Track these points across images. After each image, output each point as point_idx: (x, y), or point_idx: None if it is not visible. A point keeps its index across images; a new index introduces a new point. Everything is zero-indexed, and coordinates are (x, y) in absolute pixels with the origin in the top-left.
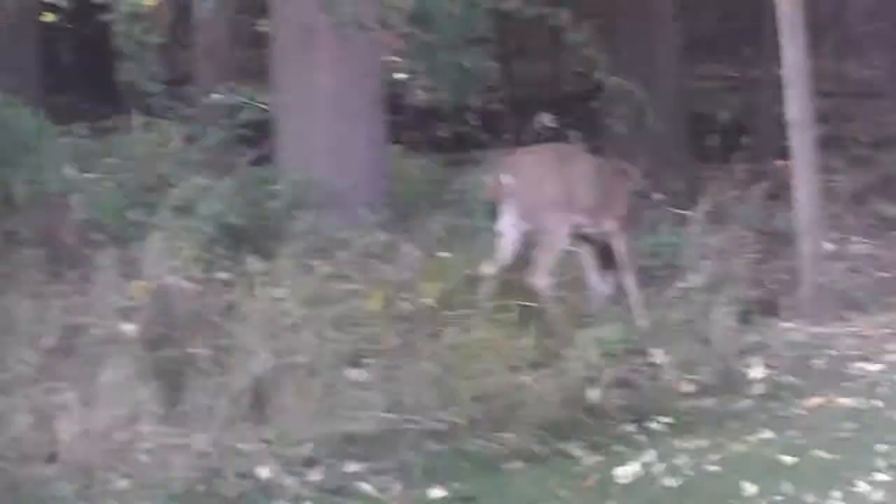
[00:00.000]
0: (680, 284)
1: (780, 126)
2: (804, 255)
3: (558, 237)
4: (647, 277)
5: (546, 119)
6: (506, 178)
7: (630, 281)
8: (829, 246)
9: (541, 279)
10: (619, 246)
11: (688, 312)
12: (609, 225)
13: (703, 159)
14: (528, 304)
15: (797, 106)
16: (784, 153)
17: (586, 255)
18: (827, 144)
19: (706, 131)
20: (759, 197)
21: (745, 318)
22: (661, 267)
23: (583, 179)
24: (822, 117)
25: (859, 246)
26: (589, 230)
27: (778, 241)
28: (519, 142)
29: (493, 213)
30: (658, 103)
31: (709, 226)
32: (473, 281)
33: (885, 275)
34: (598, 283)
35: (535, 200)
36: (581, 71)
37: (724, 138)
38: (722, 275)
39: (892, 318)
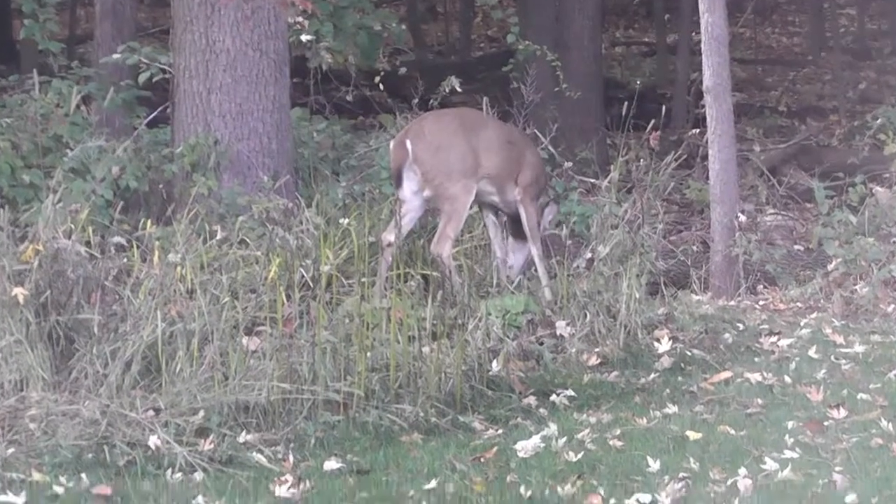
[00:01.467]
0: (587, 255)
1: (695, 94)
2: (716, 226)
3: (461, 205)
4: (555, 247)
5: (454, 83)
6: (408, 144)
7: (536, 251)
8: (742, 217)
9: (444, 248)
10: (526, 214)
11: (594, 284)
12: (515, 193)
13: (615, 127)
14: (430, 273)
15: (713, 73)
16: (699, 122)
17: (491, 224)
18: (743, 113)
19: (620, 98)
20: (672, 166)
21: (653, 290)
22: (569, 237)
23: (488, 146)
24: (738, 85)
25: (773, 218)
26: (494, 199)
27: (690, 212)
28: (426, 107)
29: (397, 179)
30: (571, 69)
31: (619, 195)
32: (375, 249)
33: (799, 248)
34: (504, 253)
35: (438, 167)
36: (492, 35)
37: (637, 106)
38: (631, 246)
39: (804, 292)
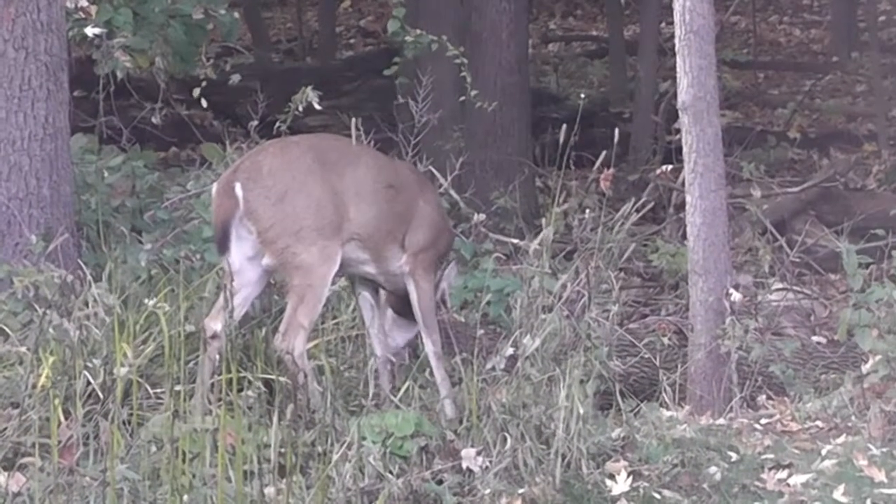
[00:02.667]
0: (507, 351)
1: (667, 112)
2: (697, 308)
3: (319, 279)
4: (460, 339)
5: (311, 97)
6: (238, 188)
7: (431, 346)
8: (735, 295)
9: (295, 341)
10: (417, 294)
11: (518, 394)
12: (401, 262)
13: (548, 162)
14: (275, 377)
15: (693, 82)
16: (671, 154)
17: (366, 305)
18: (737, 141)
19: (555, 119)
20: (632, 220)
21: (605, 402)
22: (481, 324)
23: (358, 191)
24: (730, 100)
25: (781, 295)
26: (368, 269)
27: (658, 286)
28: (269, 132)
29: (222, 239)
30: (483, 74)
31: (554, 263)
32: (194, 342)
33: (819, 340)
34: (384, 348)
35: (283, 223)
36: (367, 26)
37: (581, 130)
38: (572, 338)
39: (827, 406)
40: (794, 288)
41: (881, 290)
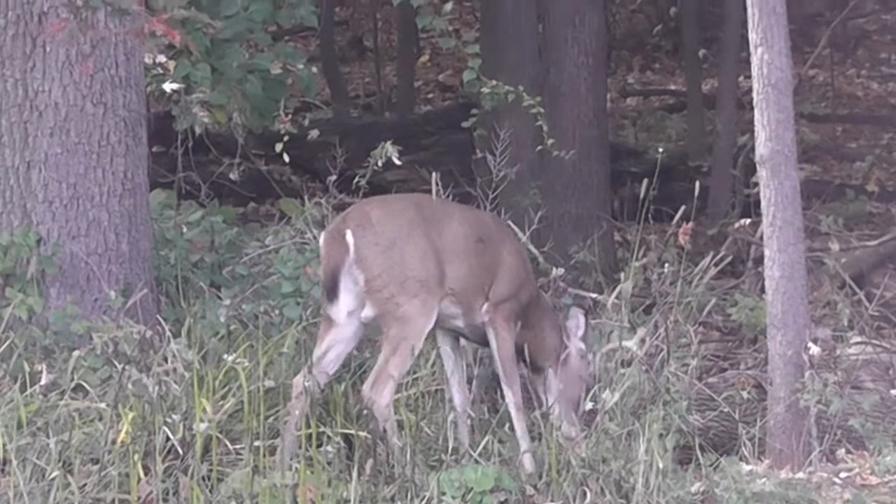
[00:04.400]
0: (587, 405)
1: (745, 165)
2: (776, 361)
3: (416, 331)
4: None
5: (391, 152)
6: (349, 236)
7: (512, 397)
8: (814, 349)
9: (383, 393)
10: (497, 343)
11: (597, 448)
12: (482, 312)
13: (626, 216)
14: (355, 432)
15: (771, 136)
16: (749, 208)
17: (448, 358)
18: (815, 195)
19: (633, 173)
20: (711, 274)
21: (685, 456)
22: None
23: (454, 247)
24: (808, 154)
25: (860, 349)
26: (458, 323)
27: (737, 340)
28: (350, 187)
29: (332, 288)
30: (561, 127)
31: (633, 317)
32: (274, 397)
33: None
34: (464, 401)
35: (392, 271)
36: (445, 80)
37: (660, 184)
38: (651, 392)
39: None
40: (873, 342)
41: None
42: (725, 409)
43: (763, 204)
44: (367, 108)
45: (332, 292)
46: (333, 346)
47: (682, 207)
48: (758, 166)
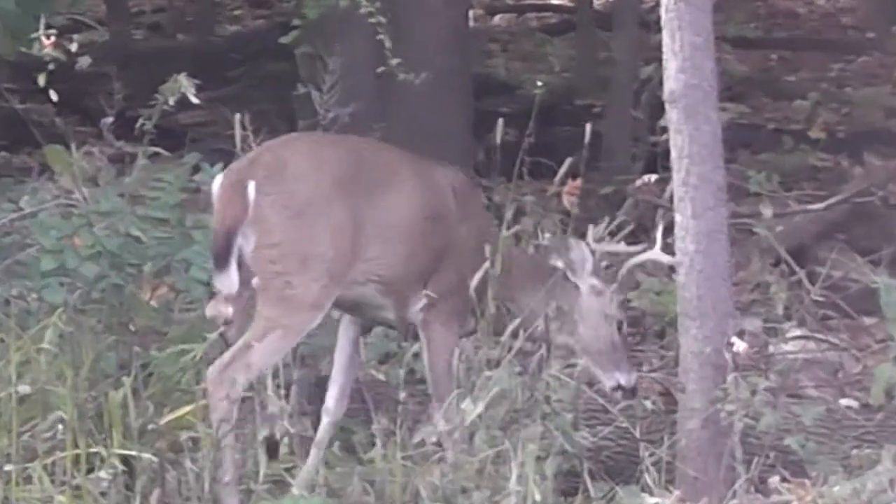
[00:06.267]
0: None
1: (650, 105)
2: (689, 361)
3: (301, 322)
4: (380, 403)
5: (185, 85)
6: (253, 190)
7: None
8: (738, 344)
9: (233, 385)
10: (432, 353)
11: (457, 474)
12: (420, 311)
13: (496, 169)
14: (137, 454)
15: (684, 65)
16: (655, 160)
17: (344, 357)
18: (743, 143)
19: (505, 115)
20: (605, 244)
21: (569, 485)
22: (406, 383)
23: (390, 223)
24: (734, 89)
25: (800, 345)
26: (387, 315)
27: (638, 334)
28: (130, 130)
29: (223, 253)
30: (411, 54)
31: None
32: (34, 407)
33: (849, 403)
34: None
35: (295, 244)
36: None
37: (538, 127)
38: (527, 401)
39: (860, 489)
40: (818, 336)
41: None
42: (623, 424)
43: (673, 155)
44: (155, 28)
45: (222, 258)
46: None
47: (568, 160)
48: (667, 106)
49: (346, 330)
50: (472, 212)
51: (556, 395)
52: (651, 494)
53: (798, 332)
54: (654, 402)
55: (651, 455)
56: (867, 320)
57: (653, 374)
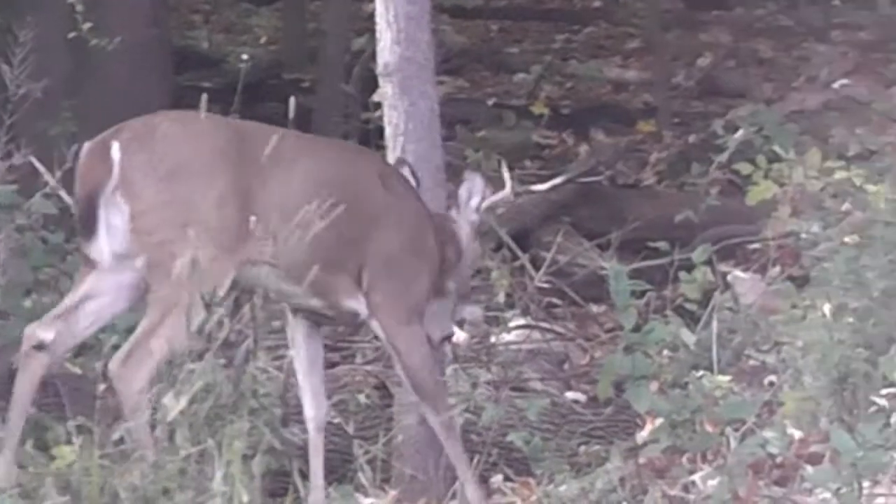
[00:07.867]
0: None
1: (362, 79)
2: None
3: (195, 297)
4: (76, 397)
5: None
6: (117, 151)
7: (437, 416)
8: (457, 334)
9: (138, 372)
10: (403, 354)
11: (158, 474)
12: (367, 307)
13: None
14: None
15: (401, 36)
16: (367, 137)
17: (302, 354)
18: (462, 119)
19: (205, 88)
20: (314, 226)
21: (280, 485)
22: (104, 377)
23: (285, 207)
24: (452, 60)
25: (523, 335)
26: (313, 303)
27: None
28: None
29: (88, 221)
30: (107, 24)
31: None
32: None
33: (576, 398)
34: (322, 416)
35: (169, 208)
36: None
37: (243, 103)
38: (232, 395)
39: (589, 489)
40: (542, 325)
41: (662, 327)
42: (335, 420)
43: (388, 132)
44: None
45: (88, 227)
46: (92, 298)
47: (274, 136)
48: (380, 80)
49: (294, 330)
50: (403, 200)
51: (264, 389)
52: (366, 495)
53: (521, 322)
54: (368, 396)
55: (366, 453)
56: (595, 308)
57: (367, 367)
